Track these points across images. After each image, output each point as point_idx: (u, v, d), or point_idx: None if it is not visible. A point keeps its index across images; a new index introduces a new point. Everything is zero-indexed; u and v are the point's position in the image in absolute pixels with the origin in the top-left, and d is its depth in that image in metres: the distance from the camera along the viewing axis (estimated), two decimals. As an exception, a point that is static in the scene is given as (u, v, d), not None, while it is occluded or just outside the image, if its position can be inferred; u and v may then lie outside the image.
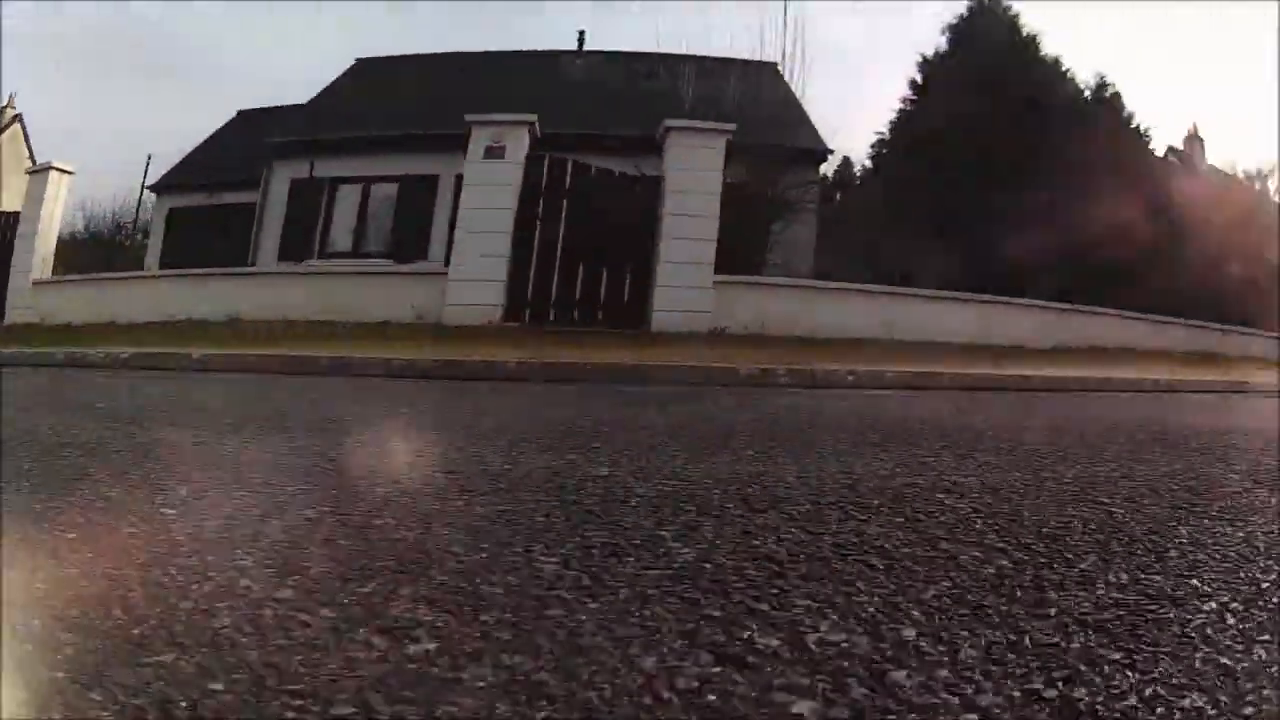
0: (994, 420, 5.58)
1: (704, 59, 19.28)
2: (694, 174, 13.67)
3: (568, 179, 13.79)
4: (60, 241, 20.14)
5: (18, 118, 39.93)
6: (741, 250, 14.41)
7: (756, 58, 20.06)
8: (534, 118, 14.01)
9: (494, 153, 13.82)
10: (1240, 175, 30.06)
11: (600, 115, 17.76)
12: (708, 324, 13.01)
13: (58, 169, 18.19)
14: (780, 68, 19.99)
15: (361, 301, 13.86)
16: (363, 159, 19.57)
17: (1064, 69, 21.13)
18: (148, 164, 21.40)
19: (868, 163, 22.26)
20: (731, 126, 14.09)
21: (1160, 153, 25.28)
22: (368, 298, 14.08)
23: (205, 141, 24.74)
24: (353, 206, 20.34)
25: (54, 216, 18.20)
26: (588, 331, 12.38)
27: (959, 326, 14.17)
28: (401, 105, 19.82)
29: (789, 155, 16.40)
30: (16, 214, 18.47)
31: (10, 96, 41.01)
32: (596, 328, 12.94)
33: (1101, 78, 21.83)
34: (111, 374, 9.09)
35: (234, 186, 21.59)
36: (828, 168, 21.52)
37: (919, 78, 20.90)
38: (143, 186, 25.00)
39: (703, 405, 6.22)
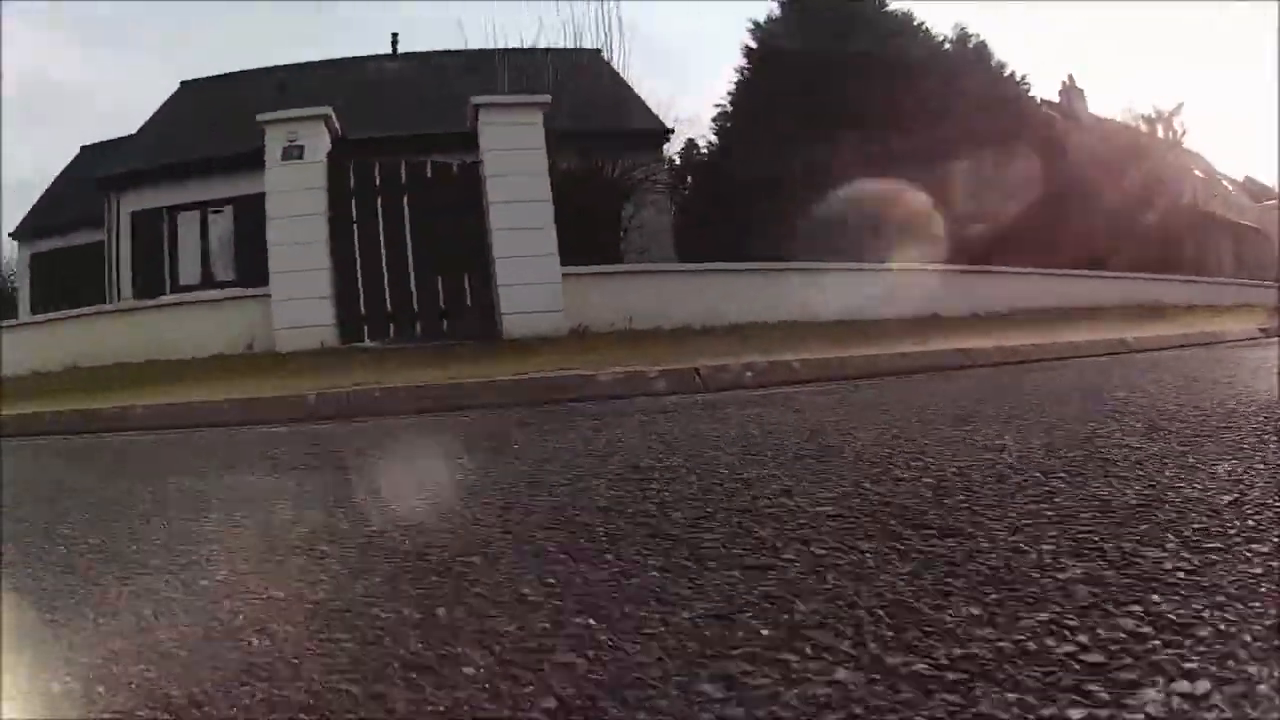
0: (1024, 417, 3.90)
1: (520, 50, 18.70)
2: (514, 154, 12.85)
3: (377, 178, 13.02)
4: None
5: None
6: (594, 240, 13.73)
7: (574, 45, 19.36)
8: (329, 110, 13.33)
9: (291, 152, 13.06)
10: (1138, 122, 29.83)
11: (416, 116, 17.31)
12: (564, 323, 12.17)
13: None
14: (603, 53, 19.42)
15: (195, 335, 13.00)
16: (197, 184, 19.21)
17: (917, 22, 20.84)
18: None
19: (713, 138, 21.35)
20: (545, 98, 13.46)
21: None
22: (201, 331, 13.17)
23: (54, 182, 24.67)
24: (194, 235, 19.97)
25: None
26: (430, 346, 11.60)
27: (855, 301, 13.44)
28: (227, 125, 19.24)
29: (626, 136, 15.71)
30: None
31: None
32: (444, 340, 12.22)
33: (962, 29, 21.66)
34: None
35: (85, 225, 21.52)
36: (670, 150, 20.94)
37: (753, 43, 20.28)
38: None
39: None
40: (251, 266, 17.53)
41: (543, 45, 18.87)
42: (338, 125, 13.44)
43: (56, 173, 25.08)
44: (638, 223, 15.67)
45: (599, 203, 14.49)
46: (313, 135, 12.97)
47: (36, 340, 14.52)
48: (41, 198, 24.16)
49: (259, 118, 13.08)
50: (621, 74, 19.33)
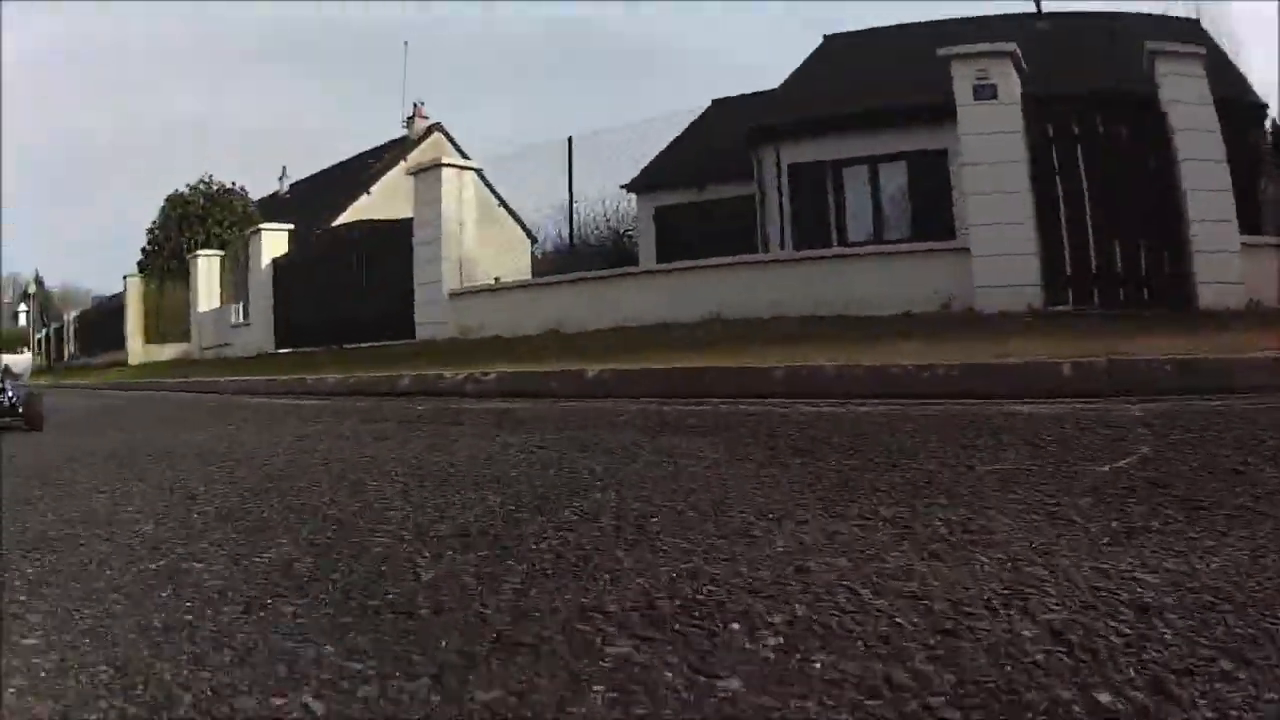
0: None
1: (1134, 15, 20.60)
2: (1193, 109, 13.20)
3: (1075, 127, 13.70)
4: (541, 256, 24.21)
5: (436, 126, 45.90)
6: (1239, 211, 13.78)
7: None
8: (1013, 46, 13.98)
9: (983, 91, 13.63)
10: None
11: (1089, 72, 17.78)
12: (1243, 296, 12.37)
13: (453, 165, 19.01)
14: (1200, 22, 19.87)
15: (881, 291, 13.60)
16: (860, 137, 21.21)
17: None
18: (569, 146, 21.30)
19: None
20: (1201, 49, 14.07)
21: None
22: (883, 286, 13.78)
23: (683, 134, 27.29)
24: (863, 189, 21.71)
25: (459, 217, 18.64)
26: (1125, 314, 11.84)
27: None
28: (876, 77, 21.21)
29: (1241, 109, 16.10)
30: (407, 221, 19.61)
31: (417, 106, 47.43)
32: (1134, 309, 12.57)
33: None
34: (428, 403, 9.09)
35: (722, 178, 24.31)
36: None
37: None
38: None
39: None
40: (927, 223, 19.25)
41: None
42: (1022, 60, 14.14)
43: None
44: (1271, 196, 16.27)
45: (1237, 174, 14.25)
46: (1001, 74, 13.79)
47: (687, 287, 15.90)
48: (662, 153, 26.86)
49: (941, 52, 14.13)
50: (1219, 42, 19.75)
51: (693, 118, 27.41)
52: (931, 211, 19.11)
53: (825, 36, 26.87)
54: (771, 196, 22.52)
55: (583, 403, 7.81)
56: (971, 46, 14.09)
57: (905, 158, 20.83)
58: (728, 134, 24.01)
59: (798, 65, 25.89)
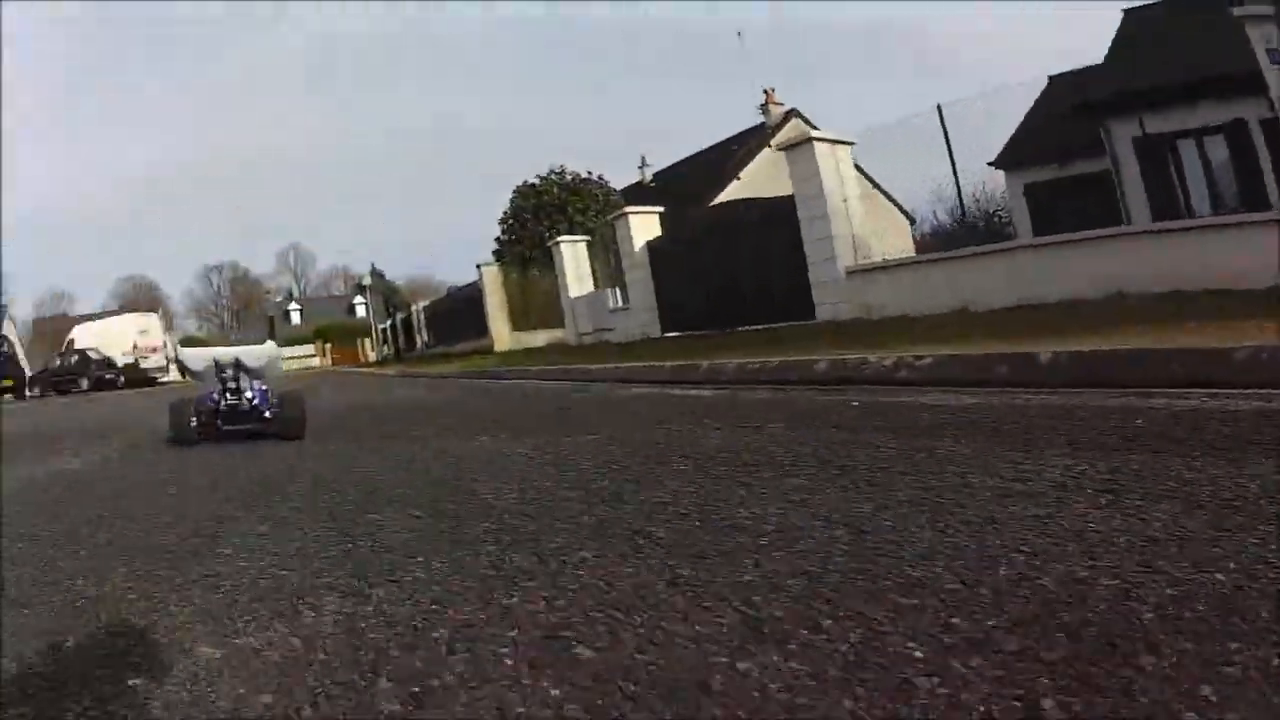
0: None
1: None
2: None
3: None
4: (921, 238, 25.00)
5: (793, 112, 48.19)
6: None
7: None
8: None
9: (1276, 56, 14.35)
10: None
11: None
12: None
13: (825, 139, 19.05)
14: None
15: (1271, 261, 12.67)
16: (1185, 109, 22.50)
17: None
18: (940, 116, 19.72)
19: None
20: None
21: None
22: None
23: (1030, 113, 28.20)
24: (1194, 162, 22.90)
25: (842, 193, 18.57)
26: None
27: None
28: (1193, 47, 21.81)
29: None
30: (790, 198, 19.69)
31: (768, 93, 48.85)
32: None
33: None
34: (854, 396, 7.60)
35: (1078, 153, 26.28)
36: None
37: None
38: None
39: None
40: (1254, 193, 20.17)
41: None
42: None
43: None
44: None
45: None
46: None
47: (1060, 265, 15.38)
48: (1018, 129, 27.77)
49: (1237, 12, 15.14)
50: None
51: (1032, 93, 27.20)
52: (1249, 181, 20.07)
53: (1125, 10, 27.67)
54: (1126, 170, 23.67)
55: (1043, 395, 6.11)
56: (1255, 8, 14.69)
57: (1222, 129, 21.66)
58: (1069, 109, 25.25)
59: (1112, 39, 27.12)
